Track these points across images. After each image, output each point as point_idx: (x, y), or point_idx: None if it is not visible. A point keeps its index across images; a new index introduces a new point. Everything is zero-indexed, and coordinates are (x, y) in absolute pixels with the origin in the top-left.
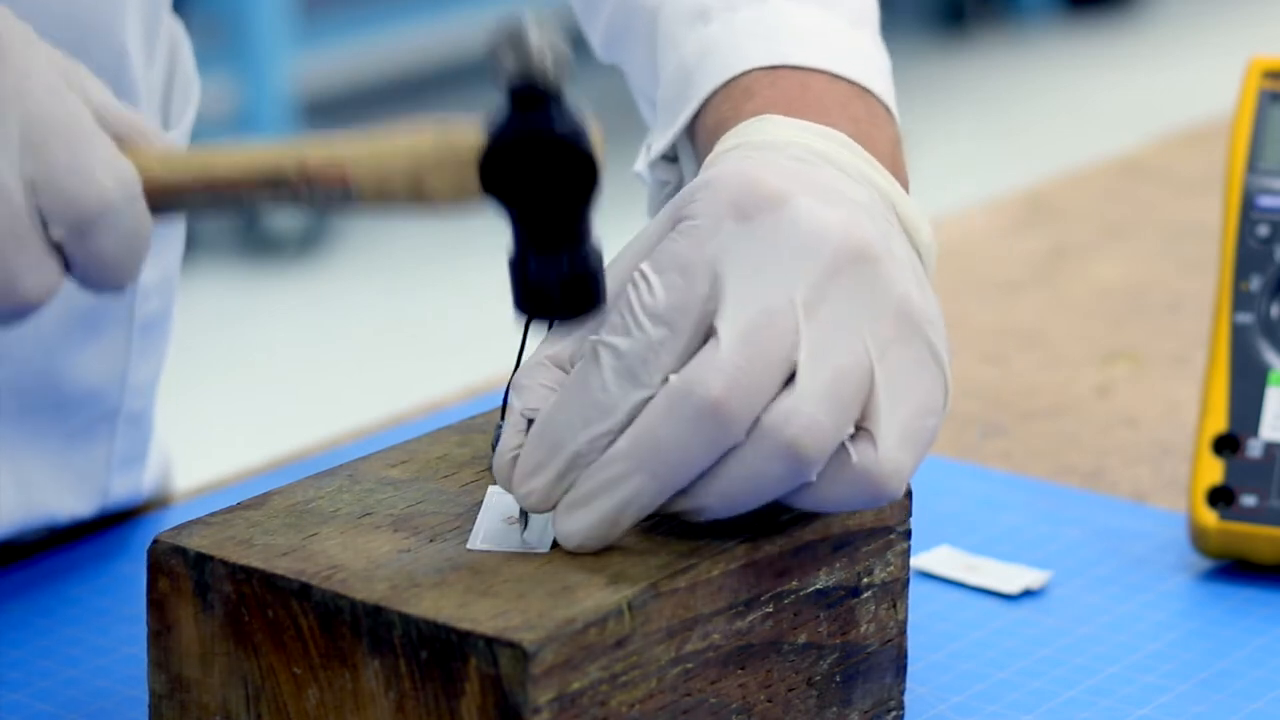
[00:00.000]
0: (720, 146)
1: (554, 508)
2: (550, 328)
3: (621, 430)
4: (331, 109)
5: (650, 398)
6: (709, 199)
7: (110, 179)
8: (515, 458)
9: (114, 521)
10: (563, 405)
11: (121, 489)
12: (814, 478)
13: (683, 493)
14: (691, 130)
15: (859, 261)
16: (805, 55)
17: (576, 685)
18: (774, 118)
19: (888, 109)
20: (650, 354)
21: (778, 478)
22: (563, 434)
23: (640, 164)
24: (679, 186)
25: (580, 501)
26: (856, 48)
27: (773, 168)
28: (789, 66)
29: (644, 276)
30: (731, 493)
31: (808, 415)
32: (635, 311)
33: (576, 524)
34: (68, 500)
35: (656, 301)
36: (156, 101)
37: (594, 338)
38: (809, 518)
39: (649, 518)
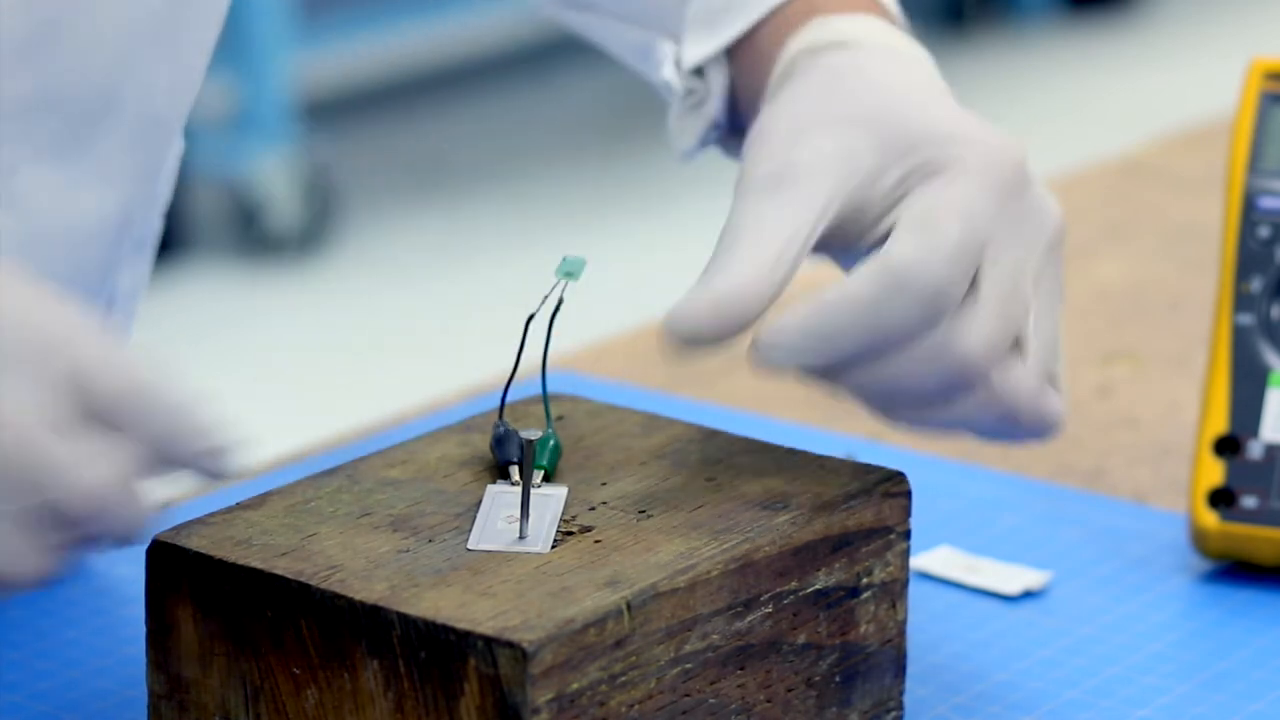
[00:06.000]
0: (800, 44)
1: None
2: (549, 331)
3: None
4: (331, 109)
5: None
6: (980, 166)
7: None
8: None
9: None
10: (849, 313)
11: None
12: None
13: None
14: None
15: (1061, 242)
16: None
17: (576, 685)
18: (856, 16)
19: None
20: (942, 294)
21: (989, 428)
22: (842, 341)
23: (667, 72)
24: (703, 99)
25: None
26: None
27: (975, 124)
28: None
29: (930, 217)
30: (942, 424)
31: (1031, 387)
32: (934, 247)
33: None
34: None
35: (949, 243)
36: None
37: (893, 260)
38: (809, 518)
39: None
